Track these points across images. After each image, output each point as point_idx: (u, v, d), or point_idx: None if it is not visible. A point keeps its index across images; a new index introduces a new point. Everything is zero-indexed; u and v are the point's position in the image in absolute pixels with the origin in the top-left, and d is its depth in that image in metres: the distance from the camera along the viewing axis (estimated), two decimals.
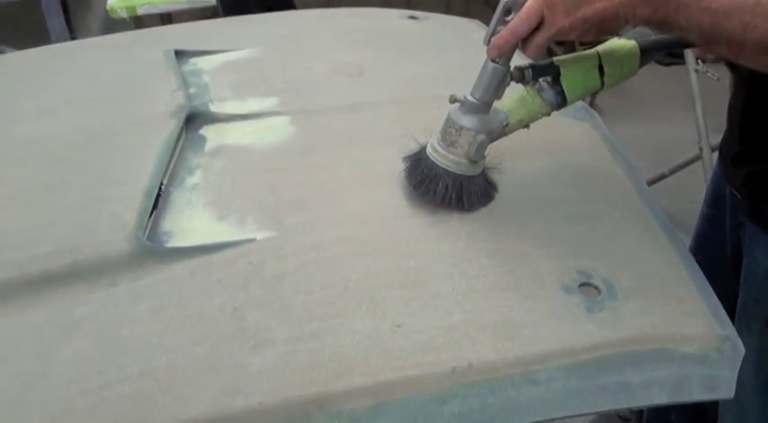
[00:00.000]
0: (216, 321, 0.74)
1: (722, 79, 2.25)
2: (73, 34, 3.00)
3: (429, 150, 0.86)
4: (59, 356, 0.72)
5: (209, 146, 1.00)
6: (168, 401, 0.67)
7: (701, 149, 2.36)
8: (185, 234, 0.85)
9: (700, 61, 2.39)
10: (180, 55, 1.24)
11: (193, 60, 1.24)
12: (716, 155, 1.92)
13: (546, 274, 0.80)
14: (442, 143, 0.85)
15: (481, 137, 0.83)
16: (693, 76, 2.41)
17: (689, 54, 2.42)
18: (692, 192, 2.27)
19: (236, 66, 1.22)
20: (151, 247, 0.82)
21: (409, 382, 0.69)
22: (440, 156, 0.85)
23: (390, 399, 0.68)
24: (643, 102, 3.35)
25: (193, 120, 1.04)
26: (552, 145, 1.01)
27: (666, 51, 0.95)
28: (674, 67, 2.90)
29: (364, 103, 1.08)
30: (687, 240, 1.39)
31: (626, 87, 0.90)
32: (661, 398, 0.72)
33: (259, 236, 0.84)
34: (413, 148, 0.90)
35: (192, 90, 1.12)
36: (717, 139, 2.20)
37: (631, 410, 1.83)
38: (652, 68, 0.91)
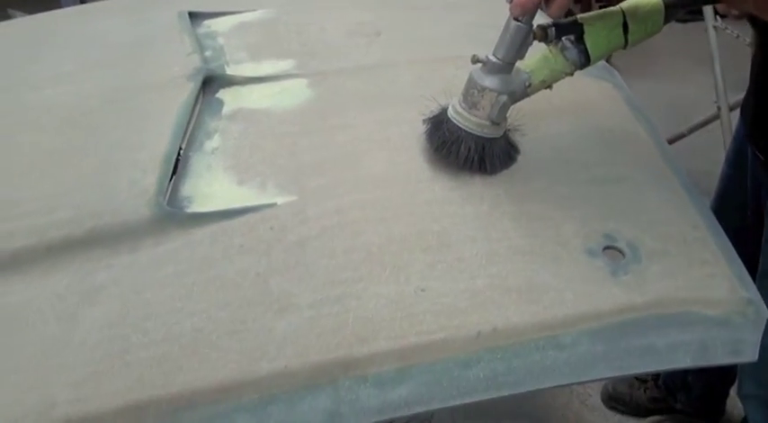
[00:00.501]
0: (239, 286, 0.74)
1: (741, 36, 2.21)
2: None
3: (450, 112, 0.85)
4: (82, 321, 0.73)
5: (226, 109, 0.99)
6: (193, 365, 0.67)
7: (718, 109, 2.32)
8: (205, 199, 0.85)
9: (719, 17, 2.35)
10: (193, 17, 1.22)
11: (207, 22, 1.23)
12: (734, 114, 1.90)
13: (570, 237, 0.80)
14: (463, 104, 0.84)
15: (504, 98, 0.81)
16: (712, 32, 2.36)
17: (707, 10, 2.37)
18: (709, 152, 2.24)
19: (251, 27, 1.20)
20: (172, 213, 0.82)
21: (434, 346, 0.69)
22: (461, 117, 0.84)
23: (415, 362, 0.68)
24: (659, 59, 3.31)
25: (210, 83, 1.03)
26: (574, 106, 0.99)
27: (691, 8, 0.93)
28: (690, 24, 2.86)
29: (382, 65, 1.06)
30: (706, 202, 1.38)
31: (641, 44, 0.88)
32: (686, 361, 0.72)
33: (280, 200, 0.83)
34: (433, 109, 0.89)
35: (208, 53, 1.11)
36: (735, 97, 2.19)
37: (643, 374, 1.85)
38: (668, 25, 0.90)
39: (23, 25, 1.43)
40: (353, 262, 0.76)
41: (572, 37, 0.84)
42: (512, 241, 0.78)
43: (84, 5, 1.47)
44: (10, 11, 2.95)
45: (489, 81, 0.82)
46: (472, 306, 0.72)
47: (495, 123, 0.83)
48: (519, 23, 0.79)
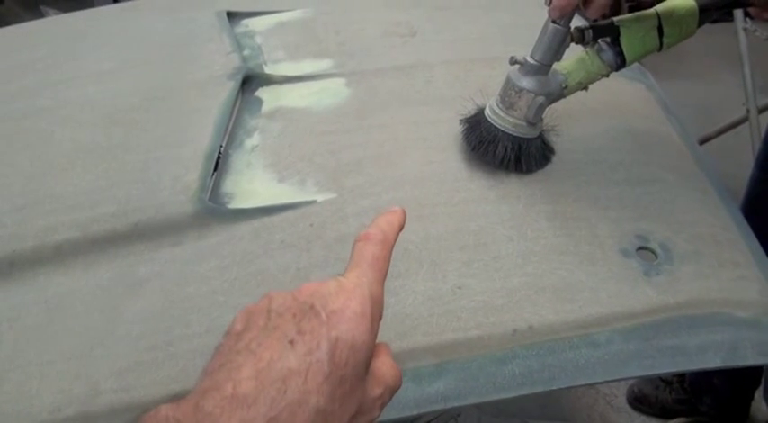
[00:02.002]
0: (280, 281, 0.76)
1: None
2: None
3: (487, 112, 0.86)
4: (125, 313, 0.74)
5: (265, 108, 1.00)
6: None
7: (747, 111, 2.30)
8: (246, 196, 0.86)
9: (748, 19, 2.33)
10: (231, 16, 1.23)
11: (245, 21, 1.24)
12: (763, 117, 1.88)
13: (604, 237, 0.81)
14: (500, 105, 0.85)
15: (541, 99, 0.82)
16: (741, 34, 2.34)
17: (737, 11, 2.35)
18: (736, 154, 2.23)
19: (289, 27, 1.21)
20: (214, 209, 0.83)
21: (471, 343, 0.71)
22: (498, 118, 0.85)
23: (452, 358, 0.70)
24: (687, 60, 3.28)
25: (249, 82, 1.04)
26: (607, 107, 1.00)
27: (726, 10, 0.93)
28: (718, 25, 2.83)
29: (418, 65, 1.07)
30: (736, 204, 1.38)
31: None
32: (715, 361, 0.73)
33: (319, 198, 0.85)
34: (470, 109, 0.90)
35: (246, 52, 1.12)
36: (764, 100, 2.17)
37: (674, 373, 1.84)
38: None
39: (61, 23, 1.45)
40: (391, 259, 0.77)
41: (608, 39, 0.85)
42: (547, 240, 0.79)
43: (121, 4, 1.48)
44: (43, 8, 2.98)
45: (527, 82, 0.83)
46: (508, 304, 0.73)
47: (531, 124, 0.84)
48: (557, 26, 0.80)
